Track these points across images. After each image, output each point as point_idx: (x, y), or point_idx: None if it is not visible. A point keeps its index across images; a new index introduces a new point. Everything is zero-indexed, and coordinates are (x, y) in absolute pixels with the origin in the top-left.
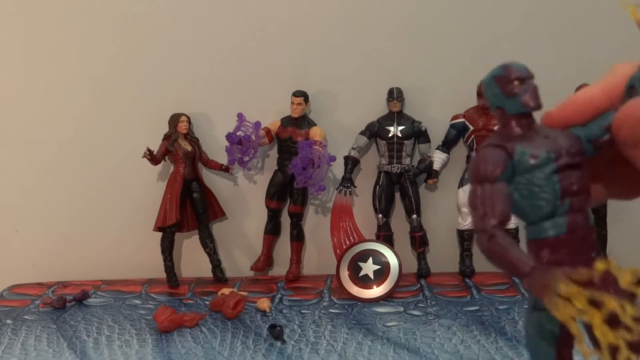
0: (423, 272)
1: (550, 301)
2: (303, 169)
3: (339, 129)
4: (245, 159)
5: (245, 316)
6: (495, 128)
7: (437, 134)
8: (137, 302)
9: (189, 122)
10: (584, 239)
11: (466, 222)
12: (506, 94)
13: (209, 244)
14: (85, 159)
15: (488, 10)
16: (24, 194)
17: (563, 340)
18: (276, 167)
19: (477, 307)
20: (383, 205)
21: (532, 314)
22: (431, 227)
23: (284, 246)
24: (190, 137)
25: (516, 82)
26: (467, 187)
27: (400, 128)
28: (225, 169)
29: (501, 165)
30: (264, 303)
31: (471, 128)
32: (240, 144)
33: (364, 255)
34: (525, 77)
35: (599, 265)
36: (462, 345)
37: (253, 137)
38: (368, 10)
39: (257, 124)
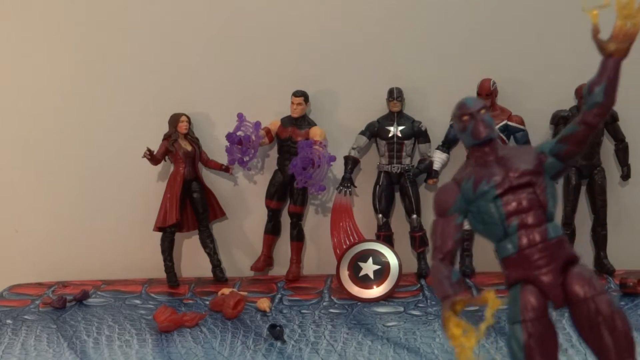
0: (423, 272)
1: (443, 325)
2: (303, 169)
3: (339, 129)
4: (245, 159)
5: (245, 316)
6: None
7: (437, 134)
8: (137, 302)
9: (189, 122)
10: (547, 250)
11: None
12: (460, 130)
13: (209, 244)
14: (85, 160)
15: (488, 11)
16: (24, 194)
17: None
18: (276, 167)
19: (477, 307)
20: (383, 205)
21: (511, 327)
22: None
23: (284, 246)
24: (190, 137)
25: (465, 118)
26: None
27: (400, 128)
28: (225, 169)
29: (451, 200)
30: (264, 303)
31: None
32: (240, 144)
33: (364, 255)
34: (473, 112)
35: (489, 295)
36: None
37: (253, 137)
38: (368, 11)
39: (257, 124)
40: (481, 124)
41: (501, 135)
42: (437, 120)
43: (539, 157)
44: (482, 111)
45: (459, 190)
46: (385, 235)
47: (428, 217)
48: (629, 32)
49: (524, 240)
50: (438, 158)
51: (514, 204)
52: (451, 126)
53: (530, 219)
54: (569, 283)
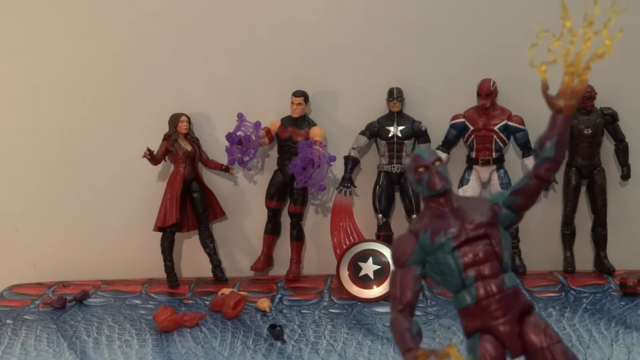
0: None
1: None
2: (303, 169)
3: (339, 129)
4: (245, 159)
5: (245, 316)
6: (496, 128)
7: (437, 134)
8: (137, 302)
9: (189, 122)
10: (503, 301)
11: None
12: (416, 181)
13: (209, 244)
14: (85, 160)
15: (488, 11)
16: (24, 194)
17: None
18: (276, 167)
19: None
20: (383, 205)
21: None
22: None
23: (284, 246)
24: (190, 137)
25: (420, 170)
26: (467, 187)
27: (400, 128)
28: (225, 169)
29: (408, 251)
30: (264, 303)
31: (471, 128)
32: (240, 144)
33: (364, 255)
34: (428, 164)
35: (451, 350)
36: (462, 345)
37: (253, 137)
38: (368, 11)
39: (257, 124)
40: (436, 176)
41: (501, 135)
42: (437, 120)
43: (493, 208)
44: (437, 163)
45: (416, 242)
46: (385, 235)
47: None
48: (576, 88)
49: (481, 292)
50: None
51: (470, 256)
52: (451, 126)
53: (486, 270)
54: (525, 332)
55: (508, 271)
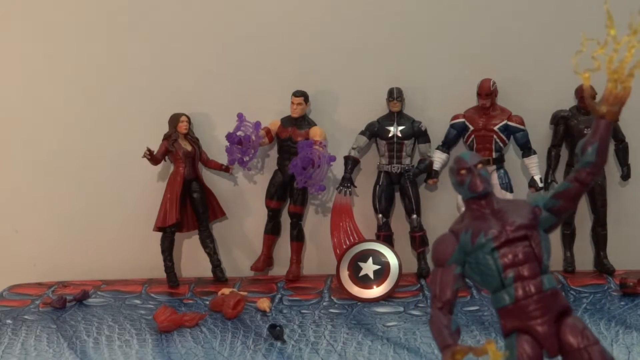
0: (423, 272)
1: None
2: (303, 169)
3: (339, 129)
4: (245, 159)
5: (245, 316)
6: (496, 128)
7: (437, 134)
8: (137, 302)
9: (189, 122)
10: (542, 302)
11: None
12: (458, 183)
13: (209, 244)
14: (85, 160)
15: (488, 11)
16: (24, 194)
17: None
18: (276, 167)
19: (477, 307)
20: (383, 205)
21: None
22: (431, 227)
23: (284, 246)
24: (190, 137)
25: (463, 172)
26: None
27: (400, 128)
28: (225, 169)
29: (449, 251)
30: (264, 303)
31: (471, 128)
32: (240, 144)
33: (364, 255)
34: (470, 166)
35: (490, 346)
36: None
37: (253, 137)
38: (368, 11)
39: (257, 124)
40: (478, 178)
41: (501, 135)
42: (437, 120)
43: (534, 210)
44: (479, 166)
45: (457, 242)
46: (385, 235)
47: (428, 217)
48: (619, 95)
49: (520, 292)
50: (438, 158)
51: (510, 257)
52: (451, 126)
53: (526, 271)
54: (563, 333)
55: (547, 272)
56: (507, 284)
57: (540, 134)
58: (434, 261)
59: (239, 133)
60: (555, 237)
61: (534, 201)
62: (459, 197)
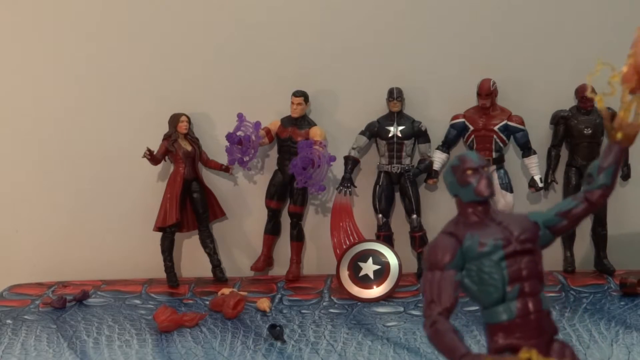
0: (423, 272)
1: None
2: (303, 169)
3: (339, 129)
4: (245, 159)
5: (245, 316)
6: (496, 128)
7: (437, 134)
8: (137, 302)
9: (189, 122)
10: (539, 321)
11: None
12: (461, 183)
13: (209, 244)
14: (85, 160)
15: (488, 11)
16: (24, 194)
17: None
18: (276, 167)
19: (477, 307)
20: (383, 205)
21: None
22: (431, 227)
23: (284, 246)
24: (190, 137)
25: (469, 172)
26: None
27: (400, 128)
28: (225, 169)
29: (450, 253)
30: (264, 303)
31: (471, 128)
32: (240, 144)
33: (364, 255)
34: (478, 167)
35: (523, 355)
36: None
37: (253, 137)
38: (368, 11)
39: (257, 124)
40: (486, 180)
41: (501, 135)
42: (437, 120)
43: (535, 225)
44: (486, 168)
45: (459, 246)
46: (385, 235)
47: (428, 217)
48: (633, 123)
49: (521, 309)
50: (438, 158)
51: (516, 269)
52: (451, 126)
53: (528, 287)
54: (551, 356)
55: (543, 291)
56: (509, 299)
57: (540, 134)
58: (429, 264)
59: (239, 133)
60: None
61: (533, 217)
62: None
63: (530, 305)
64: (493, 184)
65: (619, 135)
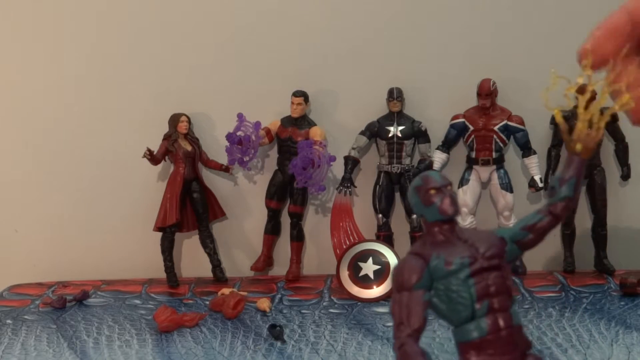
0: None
1: None
2: (303, 169)
3: (339, 129)
4: (245, 159)
5: (245, 316)
6: (496, 128)
7: (437, 134)
8: (137, 302)
9: (189, 122)
10: (511, 337)
11: (466, 222)
12: (425, 203)
13: (209, 244)
14: (85, 159)
15: (488, 11)
16: (23, 193)
17: None
18: (276, 167)
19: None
20: (383, 205)
21: None
22: None
23: (284, 246)
24: (190, 137)
25: (432, 192)
26: (466, 187)
27: (400, 128)
28: (225, 169)
29: (417, 274)
30: (264, 303)
31: (471, 128)
32: (240, 144)
33: (364, 255)
34: (441, 186)
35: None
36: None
37: (253, 137)
38: (368, 11)
39: (257, 124)
40: (450, 199)
41: (501, 135)
42: (437, 120)
43: (502, 241)
44: (449, 187)
45: (425, 265)
46: (385, 235)
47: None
48: (591, 135)
49: (491, 325)
50: (438, 158)
51: (483, 285)
52: (451, 126)
53: (497, 304)
54: None
55: (513, 307)
56: (479, 316)
57: (540, 134)
58: (397, 285)
59: (239, 133)
60: (555, 237)
61: (499, 233)
62: (459, 196)
63: (501, 321)
64: (457, 203)
65: (578, 147)
